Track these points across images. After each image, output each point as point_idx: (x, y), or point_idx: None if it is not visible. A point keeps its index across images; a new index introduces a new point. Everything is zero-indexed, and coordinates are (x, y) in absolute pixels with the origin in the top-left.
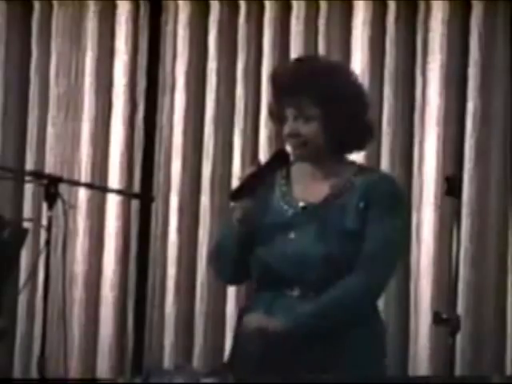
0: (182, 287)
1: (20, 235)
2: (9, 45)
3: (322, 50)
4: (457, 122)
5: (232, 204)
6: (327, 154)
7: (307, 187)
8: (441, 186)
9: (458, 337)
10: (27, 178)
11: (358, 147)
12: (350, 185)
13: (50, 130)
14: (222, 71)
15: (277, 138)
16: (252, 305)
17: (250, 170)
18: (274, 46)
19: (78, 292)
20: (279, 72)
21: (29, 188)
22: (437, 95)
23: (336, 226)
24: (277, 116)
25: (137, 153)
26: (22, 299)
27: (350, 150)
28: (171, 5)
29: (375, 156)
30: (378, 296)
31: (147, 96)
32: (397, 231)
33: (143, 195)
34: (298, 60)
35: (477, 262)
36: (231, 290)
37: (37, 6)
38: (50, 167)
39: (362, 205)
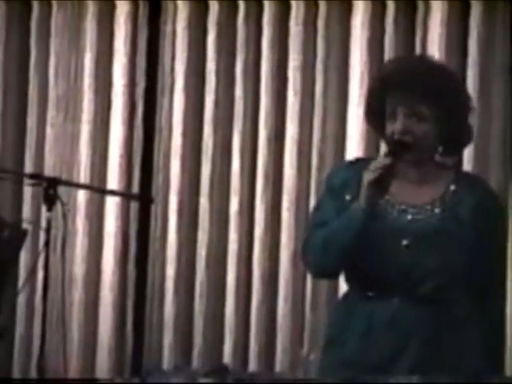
0: (181, 288)
1: (19, 236)
2: (8, 45)
3: (321, 50)
4: None
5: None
6: (429, 157)
7: (409, 189)
8: None
9: None
10: (26, 180)
11: (457, 151)
12: (453, 193)
13: (48, 131)
14: (221, 72)
15: (276, 139)
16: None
17: (383, 160)
18: (273, 46)
19: (77, 292)
20: (391, 68)
21: (28, 190)
22: None
23: (451, 238)
24: (379, 114)
25: (136, 154)
26: (22, 300)
27: (451, 154)
28: (170, 5)
29: (375, 156)
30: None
31: (146, 97)
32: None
33: (142, 196)
34: (408, 58)
35: None
36: (230, 291)
37: (36, 6)
38: (48, 168)
39: (479, 223)
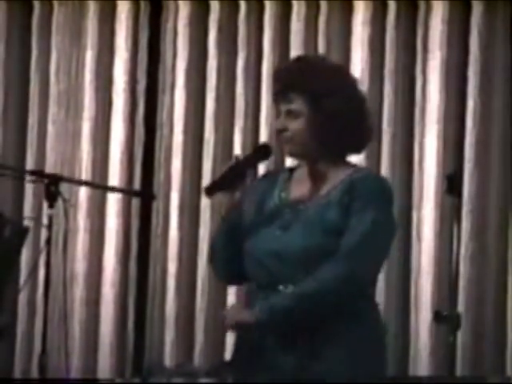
0: (182, 284)
1: (21, 234)
2: (9, 44)
3: (321, 48)
4: (457, 121)
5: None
6: (322, 154)
7: (302, 188)
8: (441, 184)
9: (459, 334)
10: (28, 177)
11: (355, 150)
12: (339, 184)
13: (50, 128)
14: (222, 69)
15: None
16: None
17: (228, 164)
18: (274, 44)
19: (78, 290)
20: (278, 69)
21: (29, 187)
22: (437, 94)
23: (318, 220)
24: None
25: (137, 151)
26: (23, 297)
27: (346, 152)
28: (171, 3)
29: (375, 154)
30: (353, 287)
31: (147, 94)
32: (377, 224)
33: (144, 193)
34: (297, 58)
35: (477, 259)
36: (232, 288)
37: (37, 5)
38: (50, 165)
39: (345, 199)
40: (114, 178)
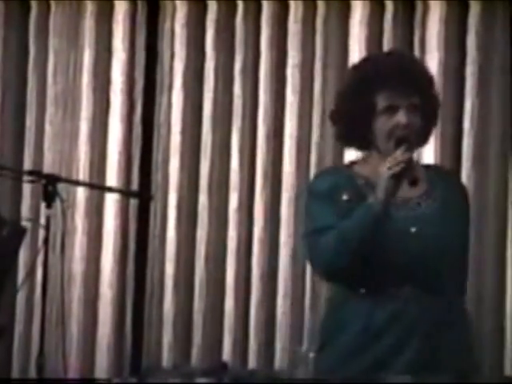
0: (180, 285)
1: (18, 234)
2: (6, 44)
3: (319, 49)
4: (455, 121)
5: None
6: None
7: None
8: None
9: None
10: (25, 177)
11: (426, 140)
12: (431, 184)
13: (47, 128)
14: (220, 70)
15: (274, 136)
16: (345, 316)
17: (405, 154)
18: (272, 45)
19: (76, 290)
20: (376, 65)
21: (27, 187)
22: None
23: (444, 220)
24: (363, 112)
25: (135, 151)
26: (21, 298)
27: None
28: (169, 4)
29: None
30: None
31: (145, 95)
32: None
33: (141, 194)
34: (394, 53)
35: (475, 258)
36: (230, 288)
37: (34, 5)
38: (47, 166)
39: (450, 199)
40: (112, 178)
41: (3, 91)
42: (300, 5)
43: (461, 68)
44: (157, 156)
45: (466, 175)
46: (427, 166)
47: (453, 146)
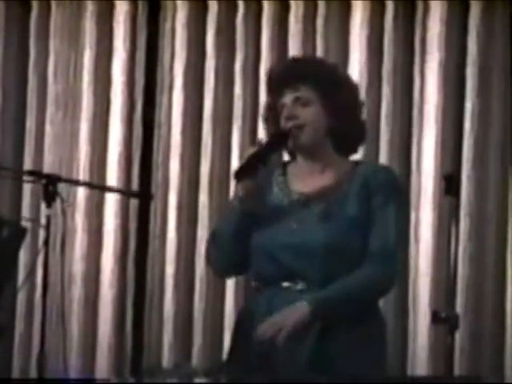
0: (180, 285)
1: (18, 234)
2: (7, 44)
3: (320, 49)
4: (455, 121)
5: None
6: (326, 145)
7: (304, 180)
8: (439, 184)
9: (457, 335)
10: (26, 177)
11: (353, 149)
12: (349, 176)
13: (48, 129)
14: (220, 70)
15: None
16: (250, 307)
17: (251, 150)
18: (272, 45)
19: (76, 290)
20: (276, 68)
21: (27, 187)
22: (435, 94)
23: (338, 214)
24: (274, 111)
25: (135, 151)
26: (21, 298)
27: (346, 147)
28: (169, 4)
29: (373, 154)
30: (390, 288)
31: (145, 95)
32: (401, 220)
33: (142, 193)
34: (294, 57)
35: (475, 260)
36: (230, 288)
37: (35, 5)
38: (48, 166)
39: (364, 192)
40: (112, 178)
41: (4, 91)
42: (300, 5)
43: (461, 68)
44: (157, 156)
45: (466, 176)
46: (357, 163)
47: (453, 146)
